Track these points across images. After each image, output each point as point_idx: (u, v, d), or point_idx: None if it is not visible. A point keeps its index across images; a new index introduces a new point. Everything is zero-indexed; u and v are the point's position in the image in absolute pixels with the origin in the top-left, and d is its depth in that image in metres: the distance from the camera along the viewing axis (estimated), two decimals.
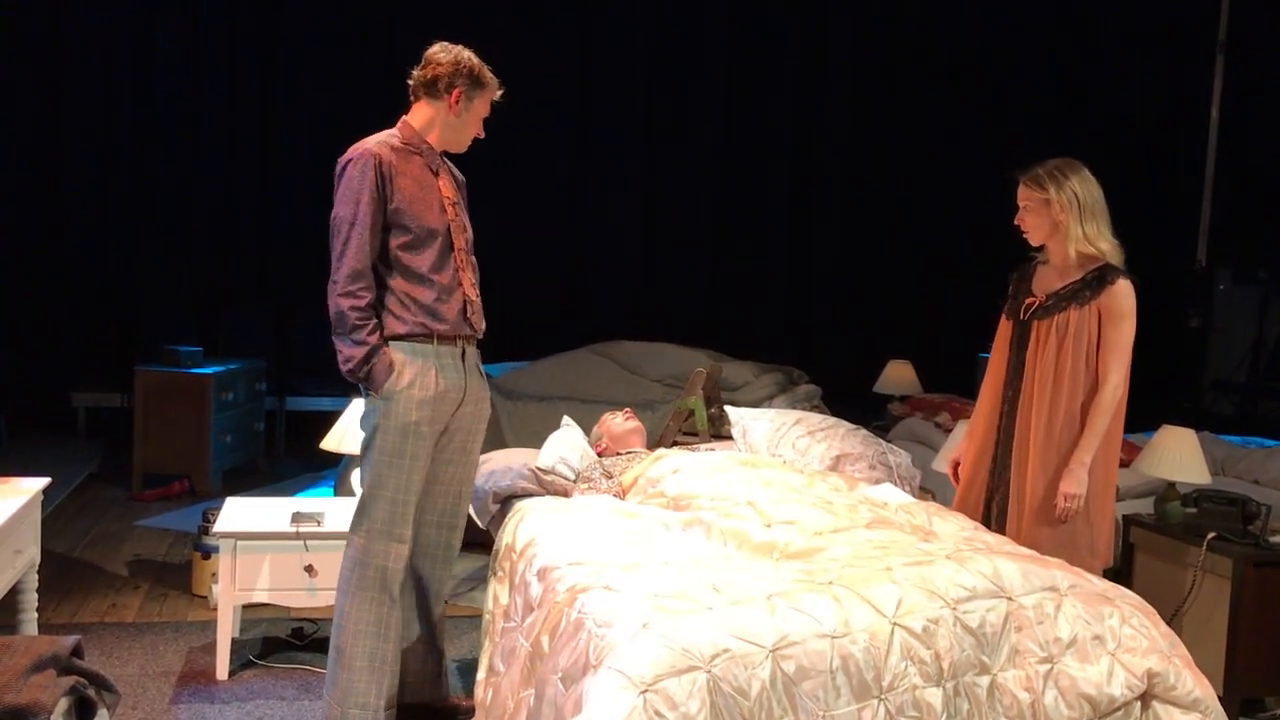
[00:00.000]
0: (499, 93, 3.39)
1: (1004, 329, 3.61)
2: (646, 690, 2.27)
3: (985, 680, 2.54)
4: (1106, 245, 3.41)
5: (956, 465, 3.77)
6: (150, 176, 7.88)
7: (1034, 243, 3.52)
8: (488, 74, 3.35)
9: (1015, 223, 3.52)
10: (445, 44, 3.33)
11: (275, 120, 8.03)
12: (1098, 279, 3.38)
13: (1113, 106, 9.19)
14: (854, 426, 4.47)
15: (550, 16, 8.52)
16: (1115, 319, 3.35)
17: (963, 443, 3.77)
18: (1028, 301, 3.52)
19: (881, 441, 4.46)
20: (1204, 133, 9.04)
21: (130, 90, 7.80)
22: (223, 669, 3.80)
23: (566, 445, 4.08)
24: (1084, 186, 3.42)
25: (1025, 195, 3.47)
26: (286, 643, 4.14)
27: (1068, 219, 3.39)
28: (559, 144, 8.61)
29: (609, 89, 8.65)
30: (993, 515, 3.56)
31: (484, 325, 3.39)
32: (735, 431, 4.40)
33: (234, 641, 3.93)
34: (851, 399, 6.92)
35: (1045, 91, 9.17)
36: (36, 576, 3.54)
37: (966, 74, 9.06)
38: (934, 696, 2.48)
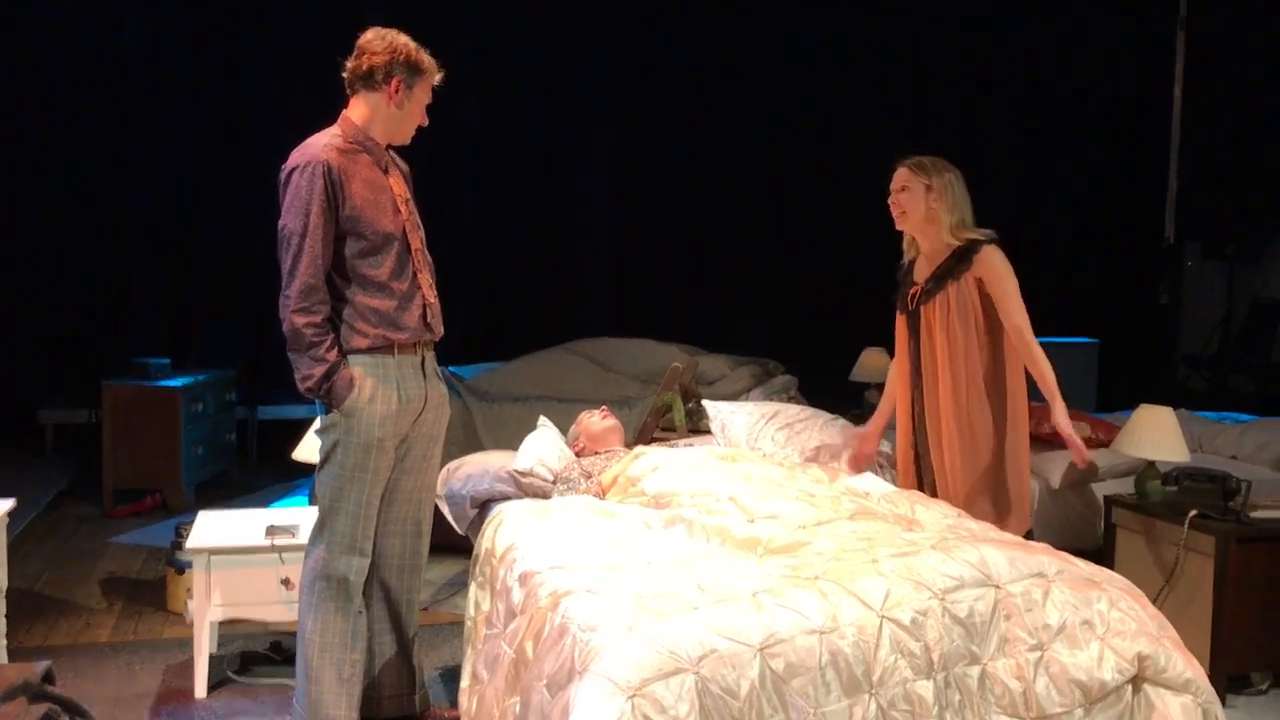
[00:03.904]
0: (439, 76, 3.24)
1: (899, 323, 3.82)
2: (634, 695, 2.23)
3: (976, 670, 2.52)
4: (973, 234, 3.62)
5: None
6: (116, 188, 7.73)
7: (903, 225, 3.73)
8: (425, 58, 3.20)
9: (889, 203, 3.71)
10: (378, 29, 3.18)
11: (242, 127, 7.90)
12: (964, 252, 3.60)
13: (1078, 85, 9.20)
14: (832, 417, 4.46)
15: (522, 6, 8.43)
16: (997, 279, 3.55)
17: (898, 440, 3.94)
18: (911, 292, 3.73)
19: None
20: (1168, 109, 9.08)
21: (95, 102, 7.65)
22: (201, 687, 3.73)
23: (544, 446, 4.03)
24: (958, 183, 3.66)
25: (906, 178, 3.68)
26: (265, 657, 4.07)
27: (940, 208, 3.61)
28: (529, 142, 8.52)
29: (581, 79, 8.57)
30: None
31: (442, 329, 3.31)
32: (714, 426, 4.37)
33: (211, 658, 3.85)
34: (828, 387, 6.90)
35: (1011, 74, 9.16)
36: (4, 601, 3.46)
37: (935, 59, 9.04)
38: (925, 689, 2.45)
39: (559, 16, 8.51)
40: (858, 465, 3.95)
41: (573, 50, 8.54)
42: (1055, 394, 3.49)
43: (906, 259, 3.82)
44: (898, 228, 3.75)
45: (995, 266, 3.54)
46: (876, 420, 3.99)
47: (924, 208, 3.63)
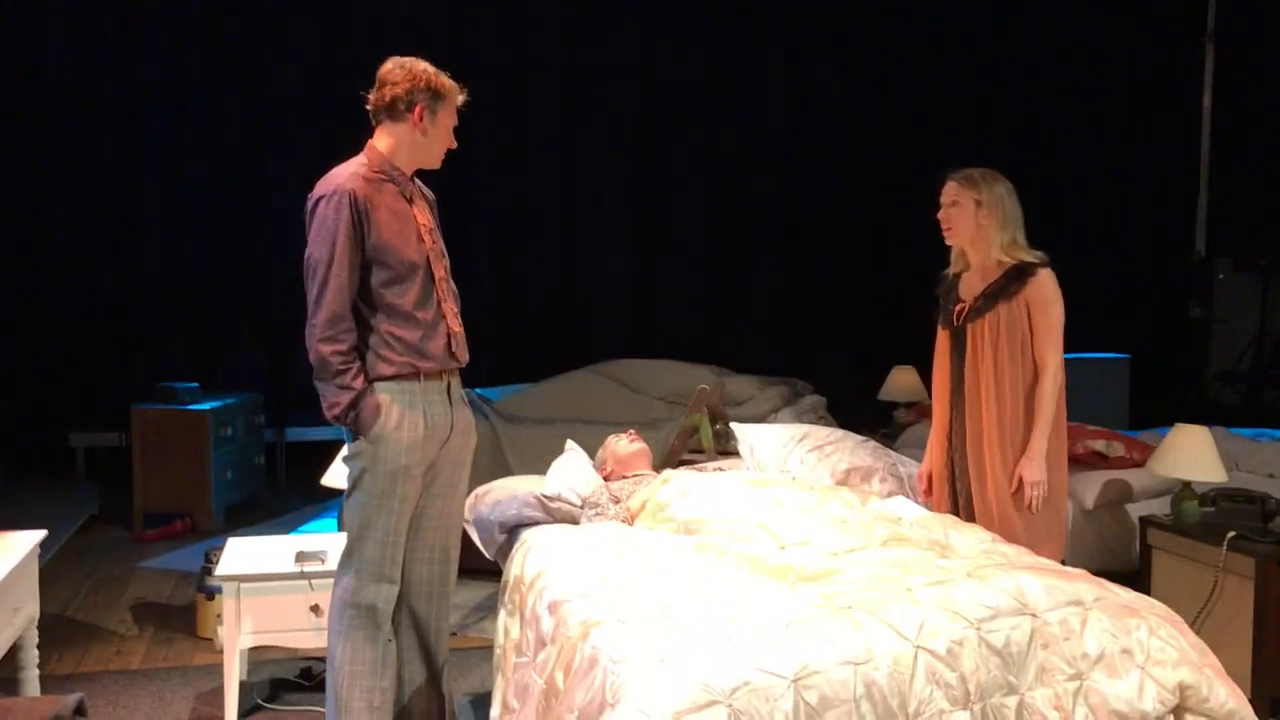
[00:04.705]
0: (462, 98, 3.23)
1: (941, 339, 3.74)
2: None
3: (1013, 701, 2.47)
4: (1026, 255, 3.53)
5: (929, 478, 3.83)
6: (142, 213, 7.82)
7: (953, 240, 3.64)
8: (446, 82, 3.18)
9: (939, 217, 3.62)
10: (398, 59, 3.17)
11: (268, 150, 7.98)
12: (1018, 272, 3.51)
13: (1105, 100, 9.14)
14: (862, 438, 4.41)
15: (540, 36, 8.48)
16: (1043, 305, 3.47)
17: (928, 456, 3.84)
18: (957, 308, 3.63)
19: (891, 453, 4.39)
20: (1197, 122, 9.00)
21: (117, 128, 7.74)
22: (231, 715, 3.71)
23: (571, 471, 4.01)
24: (1010, 198, 3.55)
25: (956, 192, 3.58)
26: (295, 684, 4.07)
27: (991, 224, 3.52)
28: (550, 163, 8.56)
29: (598, 105, 8.61)
30: (958, 518, 3.57)
31: (468, 356, 3.30)
32: (743, 449, 4.34)
33: (241, 685, 3.85)
34: (856, 407, 6.86)
35: (1036, 88, 9.11)
36: (36, 633, 3.47)
37: (955, 74, 9.01)
38: None
39: (577, 42, 8.55)
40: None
41: (592, 74, 8.57)
42: (1039, 437, 3.43)
43: (952, 272, 3.72)
44: (947, 242, 3.65)
45: (1047, 293, 3.47)
46: (932, 453, 3.81)
47: (973, 224, 3.54)
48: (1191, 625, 2.93)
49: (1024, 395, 3.48)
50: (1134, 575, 4.25)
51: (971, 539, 3.16)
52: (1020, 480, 3.46)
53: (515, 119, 8.41)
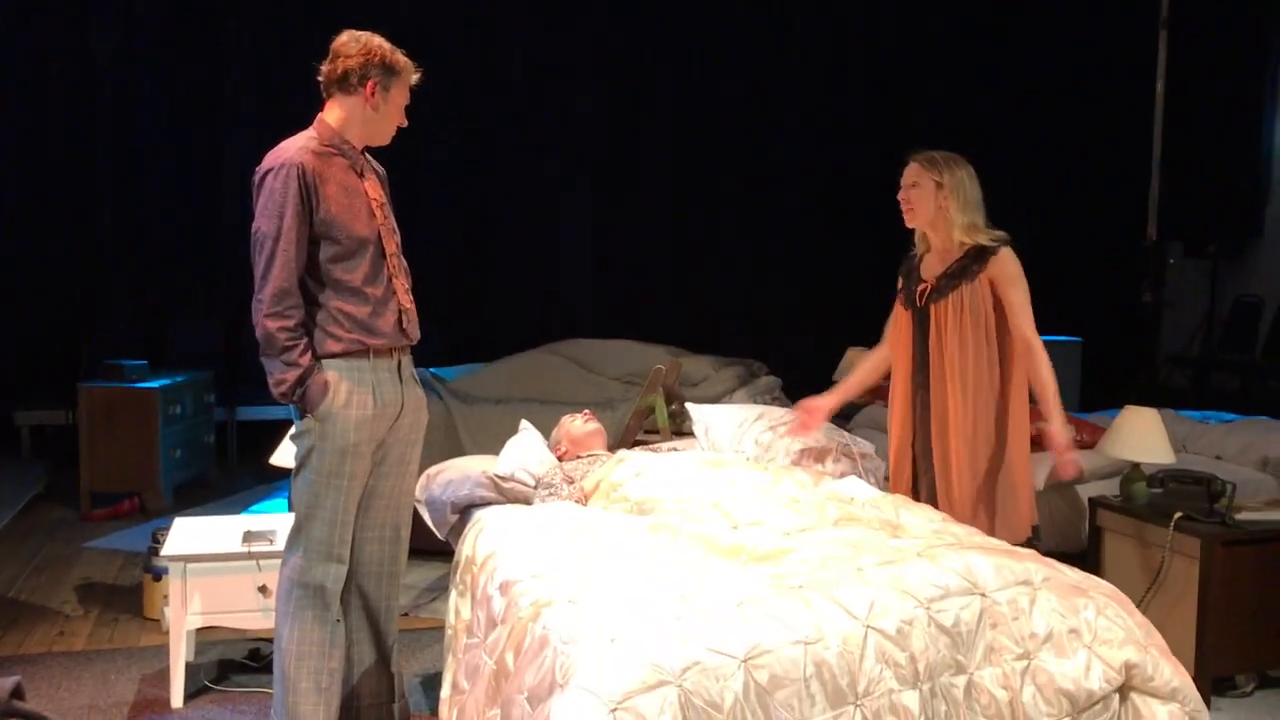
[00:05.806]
0: (416, 76, 3.19)
1: (901, 319, 3.72)
2: (616, 708, 2.19)
3: (962, 680, 2.48)
4: (984, 238, 3.54)
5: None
6: (89, 186, 7.67)
7: (912, 223, 3.64)
8: (401, 59, 3.14)
9: (899, 199, 3.61)
10: (353, 32, 3.12)
11: (219, 124, 7.85)
12: (979, 252, 3.52)
13: (1060, 84, 9.19)
14: None
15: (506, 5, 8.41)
16: (1010, 282, 3.50)
17: (892, 437, 3.83)
18: (920, 288, 3.63)
19: (845, 433, 4.41)
20: (1150, 109, 9.08)
21: (66, 99, 7.58)
22: (177, 696, 3.67)
23: (525, 451, 3.99)
24: (970, 181, 3.56)
25: (916, 174, 3.58)
26: (242, 665, 4.02)
27: (951, 206, 3.52)
28: (511, 139, 8.49)
29: (560, 81, 8.55)
30: (921, 499, 3.60)
31: (419, 333, 3.26)
32: (698, 429, 4.33)
33: (188, 666, 3.80)
34: (812, 388, 6.86)
35: (993, 72, 9.15)
36: None
37: (909, 62, 9.02)
38: (911, 699, 2.41)
39: (544, 13, 8.47)
40: (794, 432, 3.95)
41: (554, 52, 8.50)
42: (1055, 409, 3.44)
43: (918, 252, 3.71)
44: (907, 224, 3.64)
45: (1009, 270, 3.47)
46: (832, 397, 3.86)
47: (933, 205, 3.53)
48: (1138, 605, 2.97)
49: (989, 375, 3.48)
50: (1083, 556, 4.29)
51: (922, 519, 3.17)
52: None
53: (478, 92, 8.32)
